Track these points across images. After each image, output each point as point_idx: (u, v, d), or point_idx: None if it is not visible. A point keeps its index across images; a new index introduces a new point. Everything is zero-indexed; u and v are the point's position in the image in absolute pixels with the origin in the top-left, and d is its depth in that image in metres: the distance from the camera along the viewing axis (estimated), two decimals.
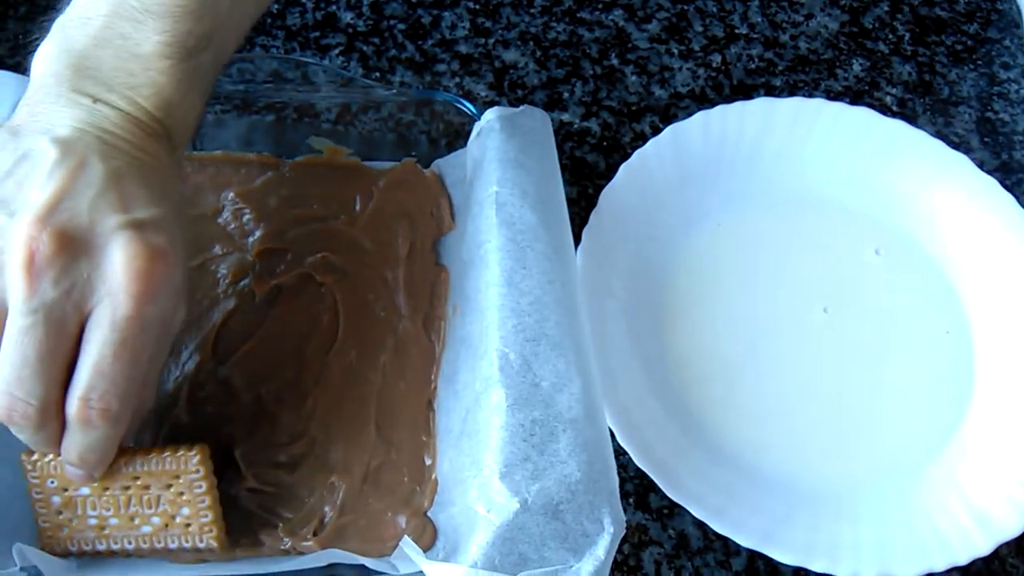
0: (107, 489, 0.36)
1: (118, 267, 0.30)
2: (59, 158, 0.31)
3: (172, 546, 0.36)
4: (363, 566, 0.38)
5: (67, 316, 0.31)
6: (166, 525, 0.36)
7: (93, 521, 0.36)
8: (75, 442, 0.33)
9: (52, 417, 0.32)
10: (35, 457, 0.36)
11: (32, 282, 0.30)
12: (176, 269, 0.32)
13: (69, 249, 0.30)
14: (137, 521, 0.36)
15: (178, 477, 0.36)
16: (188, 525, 0.36)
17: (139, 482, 0.36)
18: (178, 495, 0.36)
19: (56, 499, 0.36)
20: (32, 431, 0.32)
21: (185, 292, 0.34)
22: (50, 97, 0.33)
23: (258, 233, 0.45)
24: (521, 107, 0.43)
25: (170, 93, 0.34)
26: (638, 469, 0.41)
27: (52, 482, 0.36)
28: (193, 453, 0.36)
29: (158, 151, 0.34)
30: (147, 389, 0.34)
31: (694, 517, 0.42)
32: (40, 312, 0.30)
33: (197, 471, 0.36)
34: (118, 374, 0.31)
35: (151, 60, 0.34)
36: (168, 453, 0.36)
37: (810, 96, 0.52)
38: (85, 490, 0.36)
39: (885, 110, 0.51)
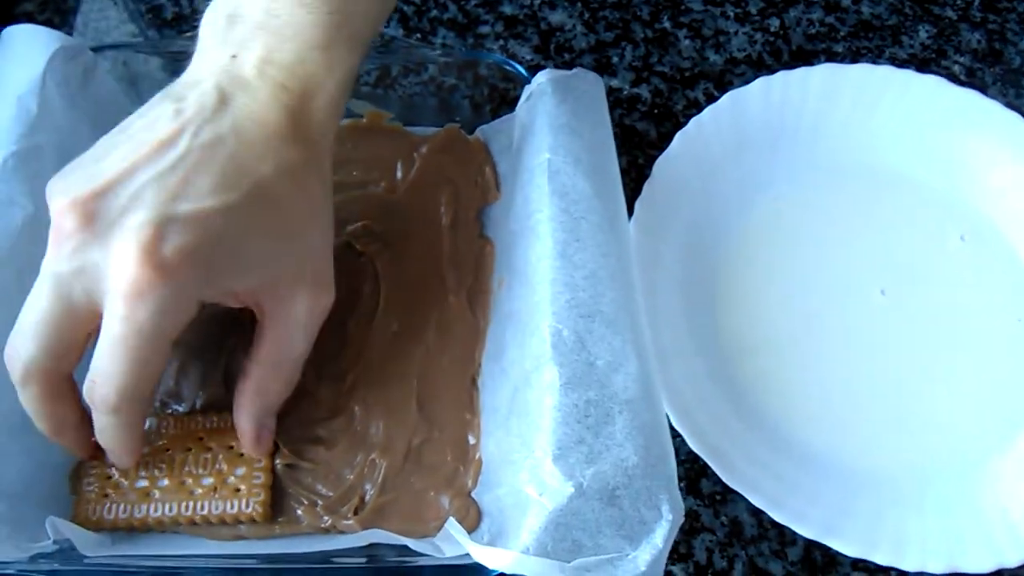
0: (167, 450, 0.37)
1: (113, 267, 0.30)
2: (159, 124, 0.31)
3: (216, 512, 0.36)
4: (405, 547, 0.36)
5: (75, 294, 0.31)
6: (215, 488, 0.36)
7: (143, 483, 0.37)
8: (94, 421, 0.33)
9: (33, 381, 0.32)
10: None
11: (53, 249, 0.30)
12: (183, 280, 0.30)
13: (86, 232, 0.30)
14: (188, 483, 0.37)
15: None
16: (238, 489, 0.36)
17: (202, 441, 0.38)
18: (237, 455, 0.37)
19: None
20: (17, 385, 0.32)
21: (192, 302, 0.32)
22: (204, 46, 0.34)
23: None
24: (574, 69, 0.41)
25: (312, 68, 0.33)
26: (689, 453, 0.40)
27: None
28: None
29: (277, 126, 0.32)
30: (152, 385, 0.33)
31: (748, 504, 0.40)
32: (50, 280, 0.30)
33: None
34: (114, 369, 0.31)
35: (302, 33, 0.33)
36: None
37: (874, 64, 0.49)
38: (148, 448, 0.37)
39: (953, 80, 0.48)
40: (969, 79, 0.52)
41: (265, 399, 0.36)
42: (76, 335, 0.32)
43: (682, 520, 0.32)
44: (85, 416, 0.34)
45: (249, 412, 0.36)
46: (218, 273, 0.31)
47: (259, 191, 0.31)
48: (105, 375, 0.31)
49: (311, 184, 0.33)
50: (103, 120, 0.42)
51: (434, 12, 0.54)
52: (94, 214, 0.30)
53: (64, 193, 0.30)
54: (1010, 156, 0.46)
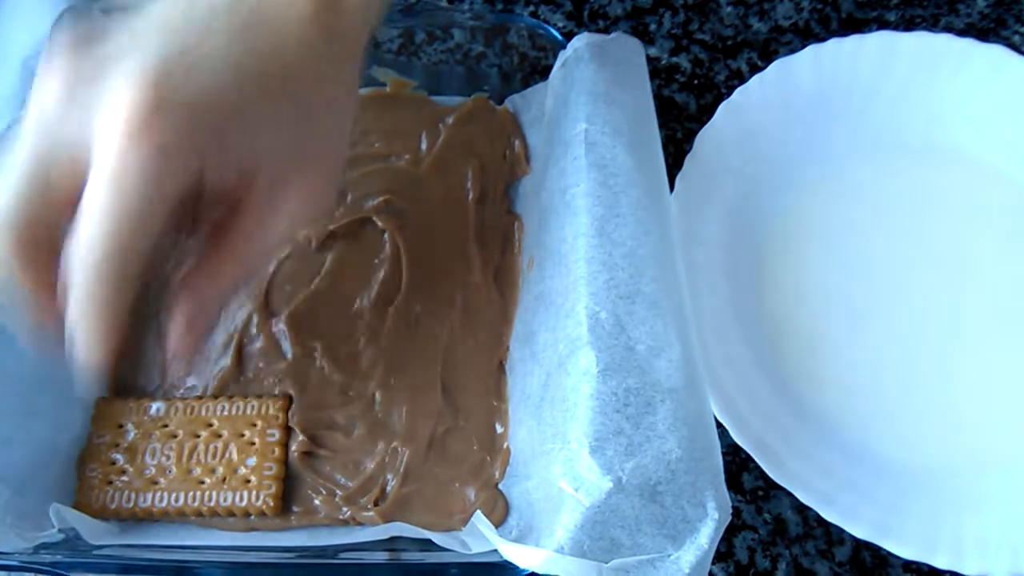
0: (175, 436, 0.36)
1: (112, 102, 0.26)
2: None
3: (225, 503, 0.34)
4: (428, 541, 0.34)
5: (55, 134, 0.27)
6: (224, 479, 0.35)
7: (150, 471, 0.35)
8: (71, 293, 0.27)
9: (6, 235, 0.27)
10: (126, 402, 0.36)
11: (41, 85, 0.27)
12: (186, 127, 0.26)
13: (84, 64, 0.27)
14: (197, 472, 0.35)
15: (255, 424, 0.36)
16: (248, 481, 0.35)
17: (212, 428, 0.36)
18: (249, 444, 0.36)
19: (120, 443, 0.36)
20: None
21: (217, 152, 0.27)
22: None
23: None
24: (613, 34, 0.38)
25: None
26: (731, 445, 0.37)
27: (126, 426, 0.36)
28: (276, 400, 0.36)
29: (303, 6, 0.29)
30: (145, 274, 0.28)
31: (793, 500, 0.37)
32: (34, 122, 0.27)
33: (277, 418, 0.36)
34: (100, 215, 0.26)
35: None
36: (251, 398, 0.36)
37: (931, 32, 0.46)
38: (156, 434, 0.36)
39: (1015, 50, 0.44)
40: None
41: (217, 284, 0.30)
42: (58, 185, 0.27)
43: (729, 519, 0.30)
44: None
45: (193, 291, 0.30)
46: (224, 132, 0.27)
47: (276, 60, 0.28)
48: (89, 222, 0.26)
49: (331, 75, 0.30)
50: None
51: None
52: (94, 52, 0.27)
53: (63, 32, 0.27)
54: None
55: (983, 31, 0.50)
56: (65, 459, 0.36)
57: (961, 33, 0.48)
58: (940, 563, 0.35)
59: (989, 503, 0.37)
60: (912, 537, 0.35)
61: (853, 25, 0.49)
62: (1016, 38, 0.50)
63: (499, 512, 0.35)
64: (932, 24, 0.49)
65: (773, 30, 0.49)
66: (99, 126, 0.26)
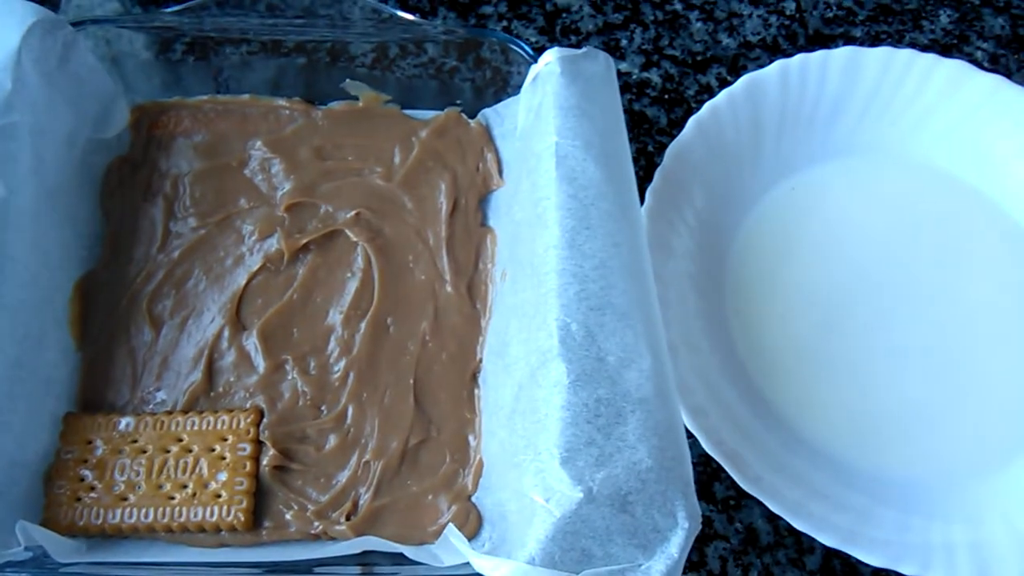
0: (145, 452, 0.35)
1: None
2: None
3: (195, 519, 0.34)
4: (401, 555, 0.34)
5: None
6: (195, 494, 0.34)
7: (119, 487, 0.35)
8: None
9: None
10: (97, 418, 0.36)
11: None
12: None
13: None
14: (166, 488, 0.35)
15: (225, 439, 0.36)
16: (219, 496, 0.35)
17: (183, 443, 0.36)
18: (219, 459, 0.35)
19: (89, 459, 0.35)
20: None
21: None
22: None
23: (287, 186, 0.42)
24: (584, 48, 0.39)
25: None
26: (702, 455, 0.37)
27: (95, 442, 0.35)
28: (247, 413, 0.36)
29: None
30: None
31: (764, 509, 0.38)
32: None
33: (248, 432, 0.36)
34: None
35: None
36: (222, 413, 0.36)
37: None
38: (125, 449, 0.35)
39: (975, 66, 0.45)
40: (992, 66, 0.50)
41: None
42: None
43: (699, 528, 0.30)
44: None
45: None
46: None
47: None
48: None
49: None
50: (82, 98, 0.40)
51: None
52: None
53: None
54: None
55: (946, 47, 0.51)
56: (32, 475, 0.35)
57: (925, 48, 0.49)
58: (906, 570, 0.35)
59: (956, 512, 0.37)
60: (880, 545, 0.36)
61: (820, 41, 0.50)
62: (978, 54, 0.51)
63: (472, 524, 0.35)
64: (897, 40, 0.51)
65: (742, 46, 0.50)
66: None
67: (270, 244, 0.40)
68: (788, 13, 0.51)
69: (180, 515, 0.34)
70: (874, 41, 0.50)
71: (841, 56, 0.44)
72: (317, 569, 0.34)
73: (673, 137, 0.43)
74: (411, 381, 0.38)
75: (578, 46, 0.49)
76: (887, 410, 0.40)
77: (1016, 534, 0.36)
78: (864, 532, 0.36)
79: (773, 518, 0.39)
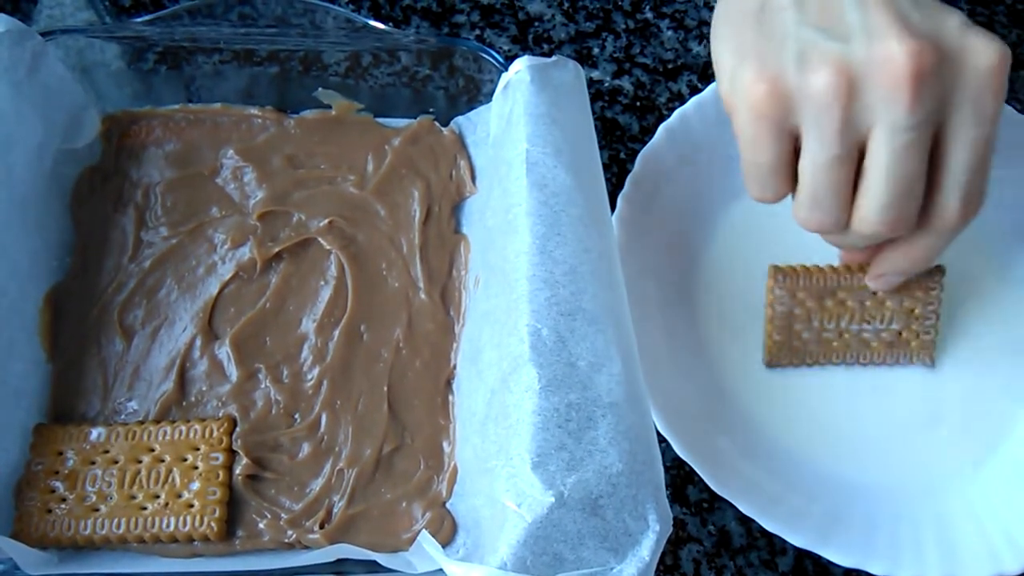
0: (116, 462, 0.35)
1: (982, 66, 0.30)
2: None
3: (167, 529, 0.34)
4: (375, 563, 0.34)
5: (932, 126, 0.31)
6: (167, 504, 0.34)
7: (91, 498, 0.34)
8: (923, 246, 0.35)
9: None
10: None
11: (916, 95, 0.30)
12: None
13: (944, 58, 0.30)
14: (138, 499, 0.34)
15: (197, 449, 0.36)
16: (191, 505, 0.34)
17: (154, 453, 0.35)
18: (192, 468, 0.35)
19: (60, 470, 0.35)
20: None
21: None
22: None
23: (260, 195, 0.42)
24: (553, 58, 0.39)
25: None
26: (675, 458, 0.38)
27: (66, 453, 0.35)
28: (220, 422, 0.36)
29: None
30: None
31: (736, 512, 0.38)
32: (921, 127, 0.30)
33: (221, 441, 0.36)
34: (986, 170, 0.32)
35: None
36: (194, 422, 0.36)
37: None
38: (97, 460, 0.35)
39: None
40: None
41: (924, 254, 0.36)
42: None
43: (670, 530, 0.30)
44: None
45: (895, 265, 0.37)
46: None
47: None
48: (982, 182, 0.32)
49: None
50: (52, 108, 0.40)
51: (407, 0, 0.52)
52: (935, 42, 0.30)
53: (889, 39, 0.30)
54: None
55: None
56: (2, 488, 0.35)
57: None
58: (876, 569, 0.36)
59: (923, 512, 0.38)
60: (850, 545, 0.36)
61: None
62: None
63: (446, 531, 0.35)
64: None
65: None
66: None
67: (242, 253, 0.40)
68: None
69: (152, 525, 0.34)
70: None
71: None
72: None
73: (645, 144, 0.44)
74: (385, 388, 0.38)
75: (550, 54, 0.50)
76: (853, 415, 0.41)
77: (985, 534, 0.37)
78: (833, 532, 0.36)
79: (746, 520, 0.39)
